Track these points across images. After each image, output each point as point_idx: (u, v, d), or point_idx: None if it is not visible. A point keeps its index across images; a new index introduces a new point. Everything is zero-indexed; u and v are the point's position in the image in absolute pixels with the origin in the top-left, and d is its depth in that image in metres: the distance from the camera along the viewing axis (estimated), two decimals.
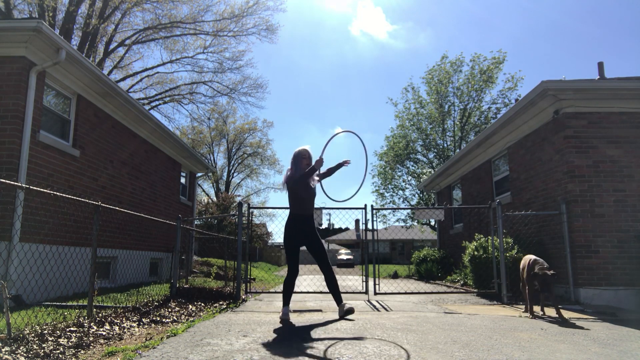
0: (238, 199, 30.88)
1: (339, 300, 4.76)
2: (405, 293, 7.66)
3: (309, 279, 9.46)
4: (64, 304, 5.46)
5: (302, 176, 4.63)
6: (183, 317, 4.84)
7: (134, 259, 9.03)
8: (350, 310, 4.63)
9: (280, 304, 5.47)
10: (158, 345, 3.25)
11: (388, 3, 74.24)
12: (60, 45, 6.38)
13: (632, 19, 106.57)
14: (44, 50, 6.37)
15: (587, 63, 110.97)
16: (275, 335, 3.67)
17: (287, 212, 4.84)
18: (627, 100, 6.86)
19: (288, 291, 4.64)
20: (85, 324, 3.95)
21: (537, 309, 5.64)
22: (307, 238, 4.73)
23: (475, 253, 7.76)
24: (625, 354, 3.17)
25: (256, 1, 22.26)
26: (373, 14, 74.83)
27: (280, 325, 4.22)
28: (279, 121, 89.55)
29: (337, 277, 5.10)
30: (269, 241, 42.28)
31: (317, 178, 4.85)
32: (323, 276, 4.79)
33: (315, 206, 5.12)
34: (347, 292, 7.75)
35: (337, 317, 4.65)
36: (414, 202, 24.33)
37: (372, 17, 74.41)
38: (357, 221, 54.20)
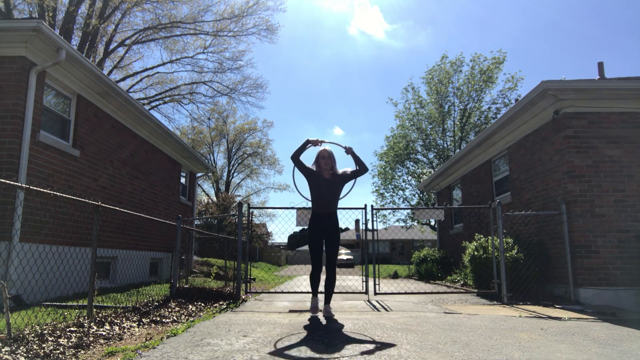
0: (238, 199, 30.90)
1: (327, 300, 4.87)
2: (405, 293, 7.66)
3: (309, 280, 9.43)
4: (64, 304, 5.46)
5: (294, 156, 4.70)
6: (183, 317, 4.84)
7: (134, 259, 9.03)
8: (332, 318, 4.63)
9: (281, 303, 5.51)
10: (158, 345, 3.25)
11: (386, 2, 74.23)
12: (60, 45, 6.38)
13: (632, 19, 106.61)
14: (44, 50, 6.37)
15: (587, 63, 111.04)
16: (275, 335, 3.67)
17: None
18: (627, 100, 6.87)
19: (313, 283, 4.91)
20: (85, 324, 3.95)
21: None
22: (326, 233, 4.81)
23: (475, 253, 7.76)
24: (625, 354, 3.17)
25: (256, 1, 22.29)
26: (370, 13, 74.75)
27: (280, 325, 4.23)
28: (279, 121, 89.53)
29: (337, 277, 5.15)
30: (269, 241, 42.27)
31: (339, 175, 4.85)
32: (325, 276, 4.88)
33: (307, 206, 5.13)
34: (347, 292, 7.75)
35: (335, 317, 4.70)
36: (414, 202, 24.34)
37: (370, 16, 74.32)
38: (357, 221, 54.20)
